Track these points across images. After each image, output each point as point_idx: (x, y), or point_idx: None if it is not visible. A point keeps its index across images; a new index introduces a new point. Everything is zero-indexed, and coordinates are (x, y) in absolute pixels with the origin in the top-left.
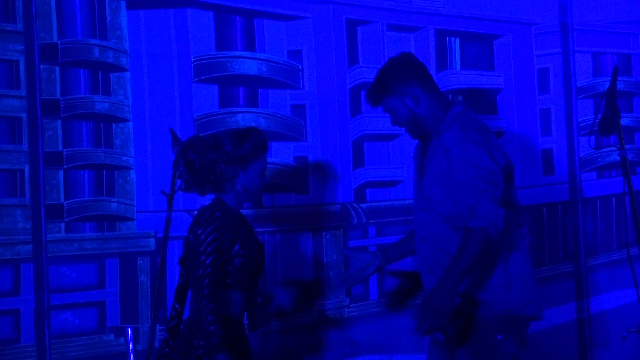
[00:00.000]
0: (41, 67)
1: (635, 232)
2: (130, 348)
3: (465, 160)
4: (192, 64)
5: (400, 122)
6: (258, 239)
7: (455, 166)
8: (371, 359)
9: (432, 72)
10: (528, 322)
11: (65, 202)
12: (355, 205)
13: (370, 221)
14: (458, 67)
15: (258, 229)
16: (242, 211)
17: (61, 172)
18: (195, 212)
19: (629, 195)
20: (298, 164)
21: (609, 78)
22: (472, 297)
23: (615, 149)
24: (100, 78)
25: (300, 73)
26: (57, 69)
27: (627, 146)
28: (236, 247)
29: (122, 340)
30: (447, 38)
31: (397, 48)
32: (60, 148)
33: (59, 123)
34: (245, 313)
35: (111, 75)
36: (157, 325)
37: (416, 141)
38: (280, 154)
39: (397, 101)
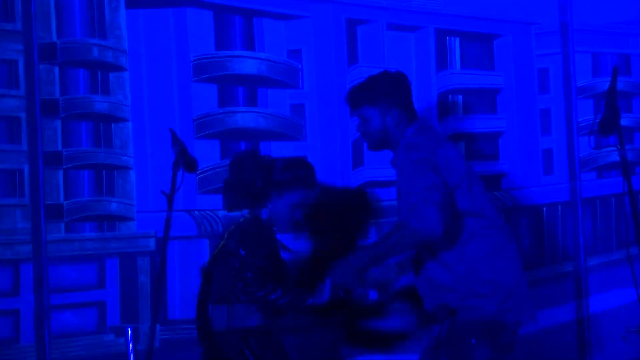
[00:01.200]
0: (40, 66)
1: (635, 232)
2: (131, 348)
3: (404, 181)
4: (192, 64)
5: (369, 133)
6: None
7: (398, 185)
8: (370, 359)
9: (432, 71)
10: (509, 327)
11: (65, 202)
12: None
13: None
14: (458, 67)
15: None
16: None
17: (61, 172)
18: (195, 212)
19: (629, 195)
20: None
21: (609, 78)
22: (450, 305)
23: (615, 149)
24: (99, 78)
25: (300, 72)
26: (56, 68)
27: (627, 146)
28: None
29: (122, 340)
30: (447, 37)
31: (397, 47)
32: (59, 148)
33: (58, 123)
34: None
35: (110, 74)
36: (157, 325)
37: None
38: (280, 154)
39: (378, 114)
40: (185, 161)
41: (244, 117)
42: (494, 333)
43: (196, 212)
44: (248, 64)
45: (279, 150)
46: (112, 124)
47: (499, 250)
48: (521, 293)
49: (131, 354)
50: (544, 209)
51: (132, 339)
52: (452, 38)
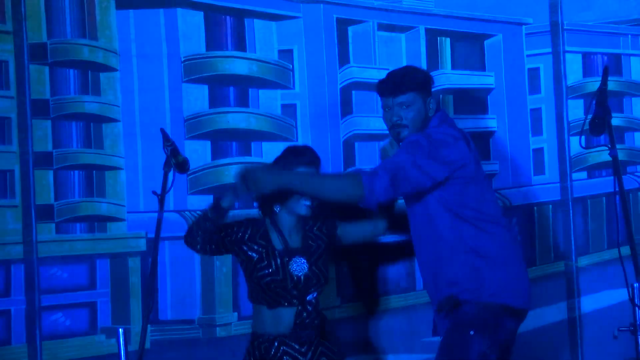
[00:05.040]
0: (30, 67)
1: (626, 231)
2: (122, 349)
3: (410, 142)
4: (182, 64)
5: (409, 119)
6: None
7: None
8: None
9: None
10: (506, 316)
11: (55, 203)
12: None
13: None
14: (449, 67)
15: None
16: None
17: (51, 173)
18: (186, 212)
19: (619, 195)
20: None
21: (600, 78)
22: (454, 297)
23: (606, 148)
24: (89, 78)
25: (291, 73)
26: (47, 69)
27: (617, 146)
28: None
29: (113, 341)
30: (438, 38)
31: (388, 48)
32: (50, 148)
33: (48, 123)
34: None
35: (101, 75)
36: (149, 325)
37: None
38: (271, 154)
39: (421, 101)
40: (177, 161)
41: (235, 118)
42: (493, 324)
43: (187, 213)
44: (239, 64)
45: (269, 150)
46: (103, 125)
47: (503, 245)
48: (526, 283)
49: (122, 355)
50: (535, 208)
51: (124, 340)
52: (443, 38)
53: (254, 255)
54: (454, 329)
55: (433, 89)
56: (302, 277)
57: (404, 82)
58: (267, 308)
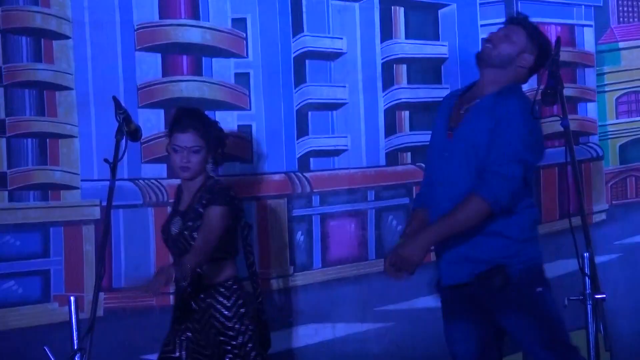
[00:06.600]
0: None
1: (577, 201)
2: (73, 316)
3: (515, 132)
4: (135, 32)
5: (502, 49)
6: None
7: (504, 130)
8: (314, 328)
9: (377, 41)
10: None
11: (8, 171)
12: (299, 174)
13: (314, 190)
14: (402, 37)
15: None
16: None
17: (4, 141)
18: (140, 181)
19: (571, 165)
20: (242, 132)
21: (553, 48)
22: (497, 266)
23: (558, 118)
24: (42, 46)
25: (244, 41)
26: None
27: (569, 116)
28: None
29: (66, 309)
30: (392, 7)
31: (341, 17)
32: (3, 116)
33: (1, 91)
34: None
35: (54, 43)
36: (102, 293)
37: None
38: (224, 123)
39: (519, 43)
40: (129, 130)
41: (188, 86)
42: (544, 275)
43: (141, 181)
44: (192, 33)
45: (222, 119)
46: (56, 93)
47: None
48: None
49: (73, 323)
50: None
51: (75, 308)
52: (397, 7)
53: None
54: (520, 295)
55: (385, 60)
56: (174, 236)
57: (519, 19)
58: None
